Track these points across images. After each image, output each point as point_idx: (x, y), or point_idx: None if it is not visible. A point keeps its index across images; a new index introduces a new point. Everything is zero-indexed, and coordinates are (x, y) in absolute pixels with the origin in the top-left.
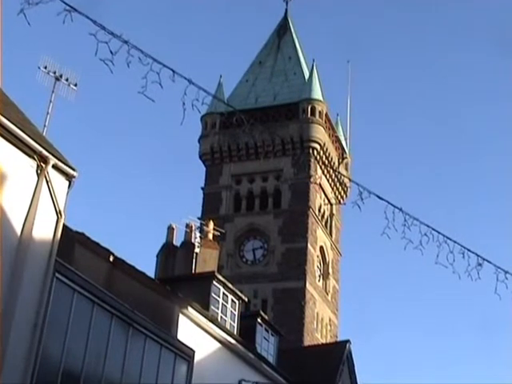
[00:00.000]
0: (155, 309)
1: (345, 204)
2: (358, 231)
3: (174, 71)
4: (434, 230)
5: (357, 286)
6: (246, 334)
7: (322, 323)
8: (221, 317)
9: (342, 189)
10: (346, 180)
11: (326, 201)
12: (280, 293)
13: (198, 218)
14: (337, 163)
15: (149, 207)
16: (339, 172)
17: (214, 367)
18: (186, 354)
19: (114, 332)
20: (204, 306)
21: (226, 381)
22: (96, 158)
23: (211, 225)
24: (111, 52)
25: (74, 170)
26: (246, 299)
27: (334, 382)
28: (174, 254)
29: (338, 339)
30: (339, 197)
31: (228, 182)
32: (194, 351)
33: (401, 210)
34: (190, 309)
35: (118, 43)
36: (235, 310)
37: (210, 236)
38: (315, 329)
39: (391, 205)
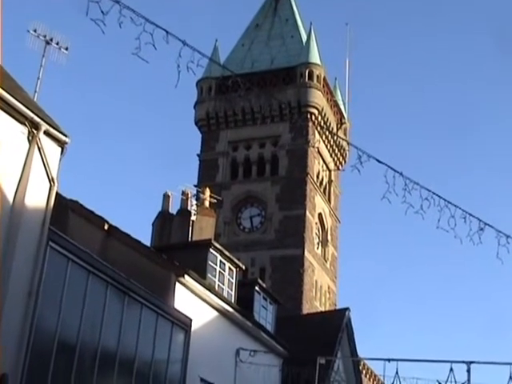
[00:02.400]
0: (151, 277)
1: (344, 170)
2: (358, 197)
3: (167, 32)
4: (435, 194)
5: (356, 253)
6: (244, 302)
7: (320, 291)
8: (218, 285)
9: (341, 154)
10: (344, 145)
11: (325, 167)
12: (278, 260)
13: (195, 186)
14: (335, 128)
15: (144, 175)
16: (338, 135)
17: (211, 336)
18: (182, 322)
19: (109, 301)
20: (201, 274)
21: (223, 349)
22: (89, 123)
23: (208, 192)
24: (102, 12)
25: (66, 136)
26: (244, 267)
27: (333, 349)
28: (169, 222)
29: (337, 307)
30: (338, 163)
31: (224, 148)
32: (191, 320)
33: (401, 174)
34: (186, 277)
35: (109, 3)
36: (232, 278)
37: (207, 203)
38: (314, 297)
39: (391, 169)
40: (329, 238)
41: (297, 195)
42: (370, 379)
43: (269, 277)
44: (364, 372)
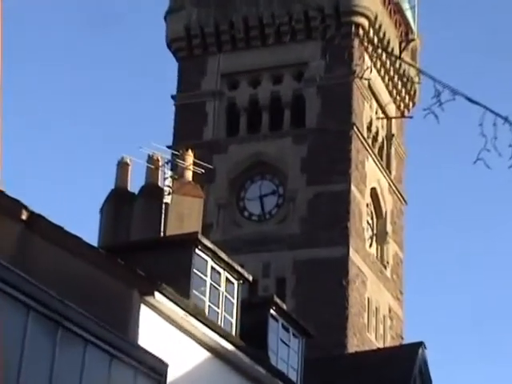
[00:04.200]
0: (100, 297)
1: (412, 117)
2: (435, 161)
3: None
4: None
5: (434, 252)
6: (252, 334)
7: (376, 315)
8: (209, 307)
9: (407, 91)
10: (412, 75)
11: (381, 113)
12: (306, 267)
13: (168, 147)
14: (397, 49)
15: (86, 130)
16: (402, 59)
17: None
18: (153, 369)
19: (31, 335)
20: (181, 290)
21: None
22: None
23: (190, 157)
24: None
25: None
26: (251, 278)
27: None
28: (129, 207)
29: (405, 341)
30: (402, 105)
31: (216, 85)
32: (166, 365)
33: (506, 119)
34: (157, 296)
35: None
36: (233, 295)
37: (189, 175)
38: (366, 325)
39: (491, 112)
40: (388, 228)
41: (336, 160)
42: None
43: (292, 293)
44: None
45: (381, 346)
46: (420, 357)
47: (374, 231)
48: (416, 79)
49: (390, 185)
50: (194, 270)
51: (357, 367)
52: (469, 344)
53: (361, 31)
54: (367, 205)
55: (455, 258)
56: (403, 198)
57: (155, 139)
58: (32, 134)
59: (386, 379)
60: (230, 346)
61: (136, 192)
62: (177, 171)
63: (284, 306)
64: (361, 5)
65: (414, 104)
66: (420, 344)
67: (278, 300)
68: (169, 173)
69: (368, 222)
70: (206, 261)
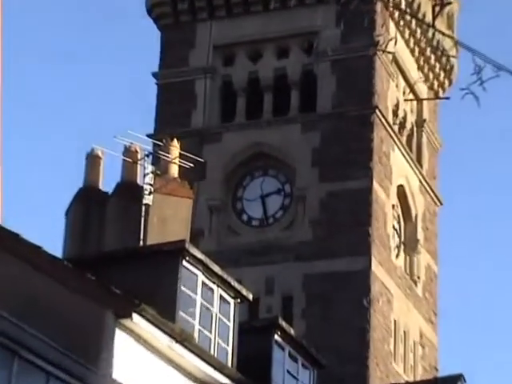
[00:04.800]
0: (66, 319)
1: (448, 98)
2: (475, 151)
3: None
4: None
5: (474, 265)
6: (252, 366)
7: (405, 342)
8: (200, 332)
9: (442, 67)
10: (448, 46)
11: (410, 93)
12: (319, 282)
13: (149, 136)
14: (430, 15)
15: (49, 116)
16: (435, 28)
17: None
18: None
19: None
20: (165, 311)
21: None
22: None
23: (176, 149)
24: None
25: None
26: (251, 296)
27: None
28: (101, 209)
29: (440, 374)
30: (436, 84)
31: (207, 60)
32: None
33: None
34: (135, 318)
35: None
36: (229, 317)
37: (175, 171)
38: (392, 353)
39: None
40: (419, 235)
41: (354, 151)
42: None
43: (301, 315)
44: None
45: (410, 379)
46: None
47: (402, 239)
48: (452, 52)
49: (421, 182)
50: (181, 287)
51: None
52: None
53: None
54: (393, 206)
55: (501, 270)
56: (437, 198)
57: (133, 127)
58: None
59: None
60: (224, 380)
61: (110, 191)
62: (159, 166)
63: (291, 331)
64: None
65: (450, 83)
66: (459, 377)
67: (283, 323)
68: (150, 168)
69: (394, 228)
70: (196, 275)
